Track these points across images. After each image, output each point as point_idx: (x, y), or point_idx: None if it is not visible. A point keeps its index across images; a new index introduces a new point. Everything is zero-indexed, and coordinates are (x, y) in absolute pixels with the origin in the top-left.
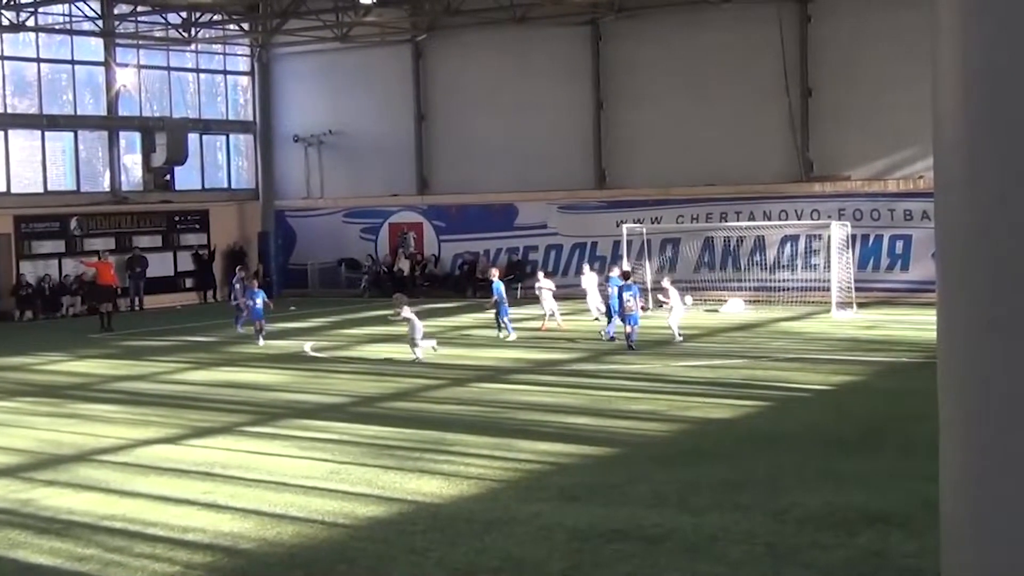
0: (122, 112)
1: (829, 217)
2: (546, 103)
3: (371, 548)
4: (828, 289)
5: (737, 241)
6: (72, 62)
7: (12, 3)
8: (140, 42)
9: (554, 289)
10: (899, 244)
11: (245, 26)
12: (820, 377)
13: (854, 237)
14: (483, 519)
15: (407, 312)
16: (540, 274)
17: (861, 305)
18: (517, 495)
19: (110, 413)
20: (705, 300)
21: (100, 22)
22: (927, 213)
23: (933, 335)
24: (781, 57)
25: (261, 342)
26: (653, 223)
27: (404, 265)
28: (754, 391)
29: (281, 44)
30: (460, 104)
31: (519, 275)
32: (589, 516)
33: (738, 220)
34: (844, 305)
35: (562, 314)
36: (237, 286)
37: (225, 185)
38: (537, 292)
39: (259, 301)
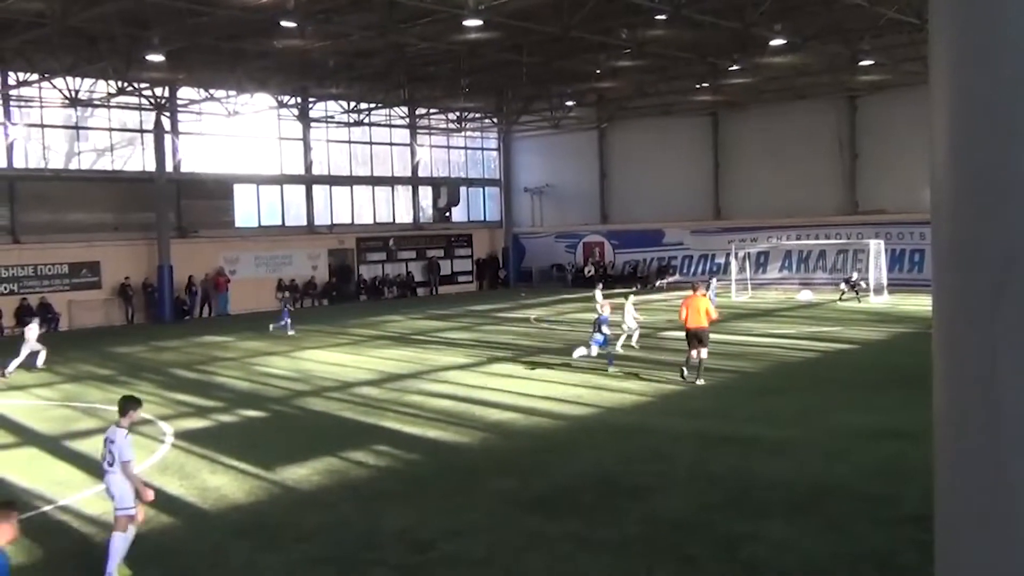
0: (421, 174)
1: (869, 237)
2: (683, 165)
3: (570, 438)
4: (868, 283)
5: (807, 253)
6: (391, 144)
7: (355, 108)
8: (432, 131)
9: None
10: (916, 255)
11: (495, 120)
12: (862, 336)
13: (887, 249)
14: (637, 427)
15: (599, 296)
16: (598, 289)
17: (891, 293)
18: (659, 413)
19: (437, 349)
20: (786, 291)
21: (407, 119)
22: None
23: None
24: (836, 133)
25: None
26: (752, 241)
27: (591, 268)
28: (817, 344)
29: (517, 130)
30: (628, 166)
31: (664, 274)
32: (705, 428)
33: (807, 240)
34: (879, 292)
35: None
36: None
37: (482, 218)
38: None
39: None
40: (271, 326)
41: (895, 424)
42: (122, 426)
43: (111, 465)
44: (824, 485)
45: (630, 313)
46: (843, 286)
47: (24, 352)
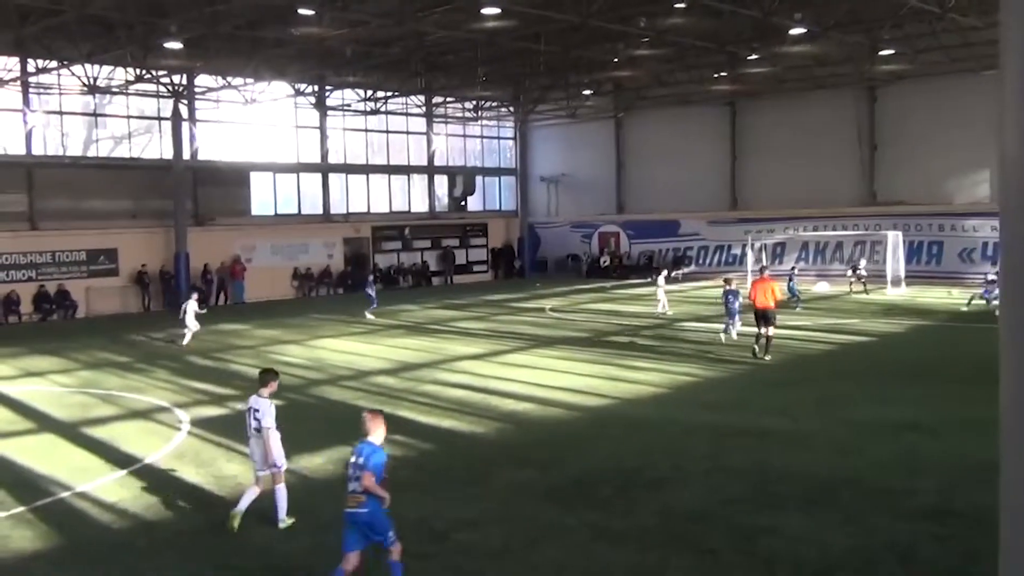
0: (437, 163)
1: (887, 229)
2: (700, 155)
3: (587, 430)
4: (885, 274)
5: (824, 244)
6: (407, 132)
7: (371, 97)
8: (448, 120)
9: (665, 286)
10: (935, 247)
11: (511, 109)
12: (879, 328)
13: (905, 241)
14: (654, 419)
15: (660, 281)
16: (662, 275)
17: (908, 285)
18: (675, 405)
19: (452, 338)
20: (803, 282)
21: (424, 108)
22: (954, 226)
23: (951, 303)
24: (856, 124)
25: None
26: (769, 232)
27: (607, 258)
28: (833, 336)
29: (534, 119)
30: (645, 156)
31: (681, 263)
32: (722, 420)
33: (825, 231)
34: (896, 284)
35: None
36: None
37: (498, 208)
38: (657, 288)
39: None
40: (368, 313)
41: (912, 417)
42: (263, 395)
43: (257, 431)
44: (841, 478)
45: (662, 289)
46: (850, 275)
47: (193, 326)
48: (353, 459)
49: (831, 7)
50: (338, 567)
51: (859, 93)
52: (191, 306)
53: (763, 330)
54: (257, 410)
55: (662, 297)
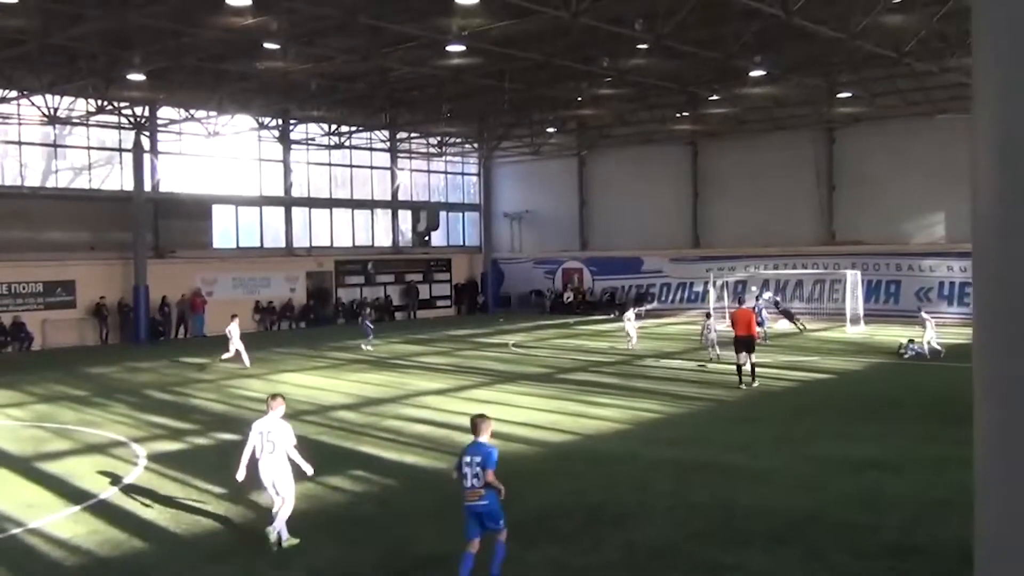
0: (401, 198)
1: (846, 268)
2: (662, 193)
3: (549, 465)
4: (844, 313)
5: (784, 282)
6: (371, 167)
7: (336, 131)
8: (412, 155)
9: (635, 322)
10: (893, 286)
11: (475, 145)
12: (838, 366)
13: (863, 280)
14: (616, 455)
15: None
16: (630, 311)
17: (866, 323)
18: (637, 440)
19: (415, 373)
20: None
21: (388, 143)
22: (911, 266)
23: (910, 339)
24: (814, 165)
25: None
26: (731, 270)
27: (570, 294)
28: (793, 375)
29: (497, 156)
30: (608, 194)
31: (643, 300)
32: (685, 455)
33: (785, 269)
34: (855, 322)
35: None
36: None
37: (461, 243)
38: (626, 322)
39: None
40: (363, 345)
41: (873, 454)
42: (274, 417)
43: (271, 453)
44: (804, 514)
45: (631, 324)
46: (773, 311)
47: (235, 347)
48: (467, 459)
49: (790, 50)
50: (466, 552)
51: (818, 134)
52: (235, 329)
53: (742, 356)
54: (270, 431)
55: (632, 332)
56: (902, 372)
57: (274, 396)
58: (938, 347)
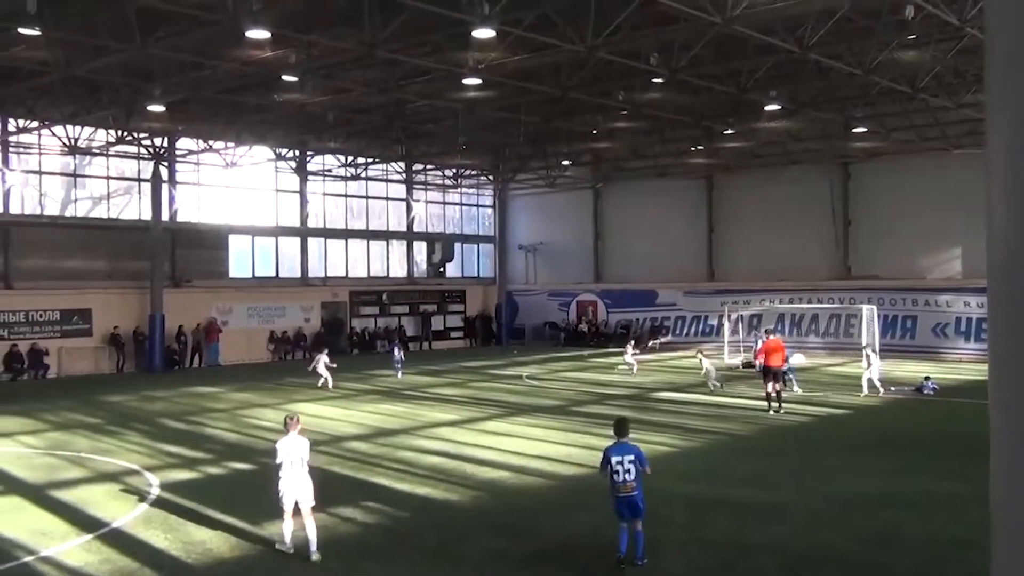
0: (416, 229)
1: (862, 302)
2: (677, 226)
3: (562, 498)
4: (860, 347)
5: (800, 317)
6: (387, 198)
7: (352, 162)
8: (428, 187)
9: (635, 355)
10: (909, 321)
11: (491, 177)
12: (853, 402)
13: (879, 315)
14: None
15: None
16: (630, 345)
17: (882, 358)
18: (651, 475)
19: (429, 404)
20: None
21: (404, 175)
22: (928, 301)
23: (925, 376)
24: (830, 199)
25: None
26: (745, 304)
27: (584, 327)
28: (808, 408)
29: (513, 188)
30: (623, 227)
31: (658, 333)
32: (698, 490)
33: (800, 303)
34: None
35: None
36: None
37: (476, 275)
38: (627, 355)
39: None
40: (399, 374)
41: (889, 490)
42: (294, 435)
43: (300, 467)
44: (818, 552)
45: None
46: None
47: (325, 372)
48: (618, 457)
49: (805, 85)
50: (623, 528)
51: (833, 169)
52: (322, 359)
53: (770, 385)
54: (295, 448)
55: (632, 361)
56: (918, 408)
57: (292, 416)
58: (878, 385)
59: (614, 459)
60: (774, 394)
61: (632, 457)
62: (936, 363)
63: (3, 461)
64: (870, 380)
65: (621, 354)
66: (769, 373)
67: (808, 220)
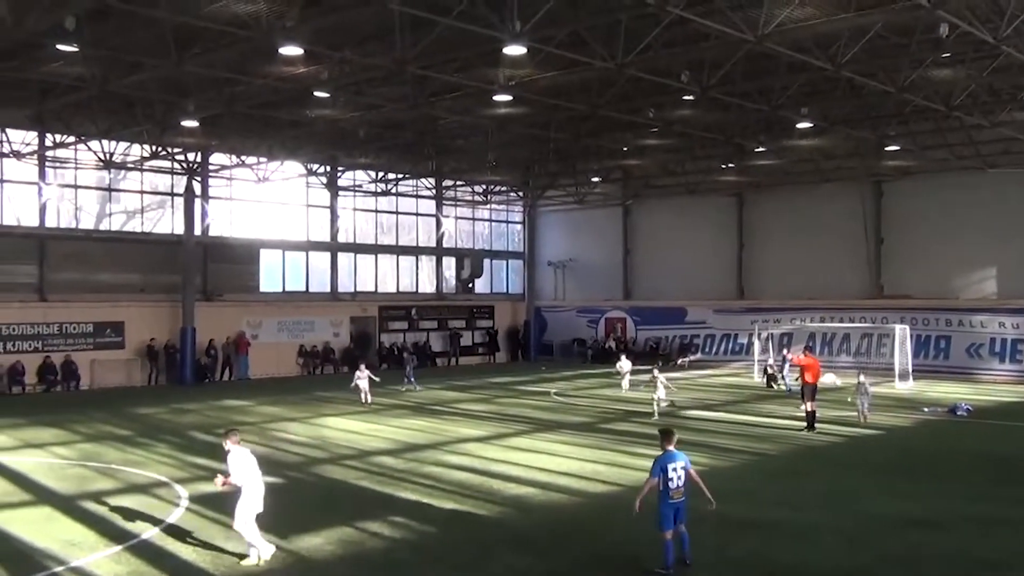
0: (445, 244)
1: (894, 322)
2: (707, 244)
3: (589, 516)
4: (893, 368)
5: (831, 336)
6: (417, 214)
7: (383, 178)
8: (457, 203)
9: (665, 380)
10: (942, 341)
11: (520, 193)
12: (886, 422)
13: (911, 335)
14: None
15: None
16: (655, 369)
17: (915, 379)
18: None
19: (456, 420)
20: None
21: (434, 190)
22: (961, 321)
23: (958, 398)
24: (863, 218)
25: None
26: (776, 322)
27: (612, 344)
28: (839, 428)
29: (542, 204)
30: (652, 244)
31: (687, 351)
32: (727, 510)
33: (832, 322)
34: (903, 378)
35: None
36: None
37: (505, 291)
38: (652, 380)
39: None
40: (405, 388)
41: (921, 512)
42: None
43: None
44: (847, 574)
45: (660, 381)
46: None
47: (365, 386)
48: (672, 465)
49: (837, 102)
50: (668, 541)
51: (866, 187)
52: (363, 377)
53: (812, 405)
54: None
55: (626, 382)
56: (951, 429)
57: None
58: (866, 411)
59: (668, 466)
60: (814, 413)
61: (683, 464)
62: (970, 384)
63: (35, 471)
64: (862, 406)
65: (649, 371)
66: (811, 391)
67: (840, 238)
